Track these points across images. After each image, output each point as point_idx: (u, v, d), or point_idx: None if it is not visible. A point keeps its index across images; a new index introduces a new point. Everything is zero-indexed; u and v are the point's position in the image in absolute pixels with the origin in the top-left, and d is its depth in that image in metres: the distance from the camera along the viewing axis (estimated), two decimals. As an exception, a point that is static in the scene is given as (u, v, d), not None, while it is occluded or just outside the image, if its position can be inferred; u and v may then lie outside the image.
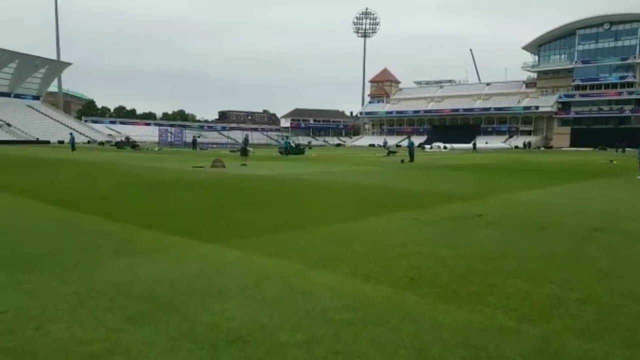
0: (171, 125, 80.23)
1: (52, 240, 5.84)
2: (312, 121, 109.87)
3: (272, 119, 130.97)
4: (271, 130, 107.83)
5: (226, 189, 12.36)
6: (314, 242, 5.86)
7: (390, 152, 39.92)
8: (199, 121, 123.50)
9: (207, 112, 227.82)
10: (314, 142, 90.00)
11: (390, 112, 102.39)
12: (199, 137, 64.21)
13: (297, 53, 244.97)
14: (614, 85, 77.14)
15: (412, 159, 27.11)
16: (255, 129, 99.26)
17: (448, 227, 6.97)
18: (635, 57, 74.23)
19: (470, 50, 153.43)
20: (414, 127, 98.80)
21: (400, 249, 5.53)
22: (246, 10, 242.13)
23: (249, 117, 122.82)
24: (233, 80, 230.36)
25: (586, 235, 6.56)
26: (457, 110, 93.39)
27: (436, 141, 67.68)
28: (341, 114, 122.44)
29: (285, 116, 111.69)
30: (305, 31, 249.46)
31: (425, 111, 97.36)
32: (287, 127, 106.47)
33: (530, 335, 3.14)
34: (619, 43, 75.98)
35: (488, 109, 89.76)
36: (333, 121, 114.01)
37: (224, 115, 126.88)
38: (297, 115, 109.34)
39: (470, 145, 55.98)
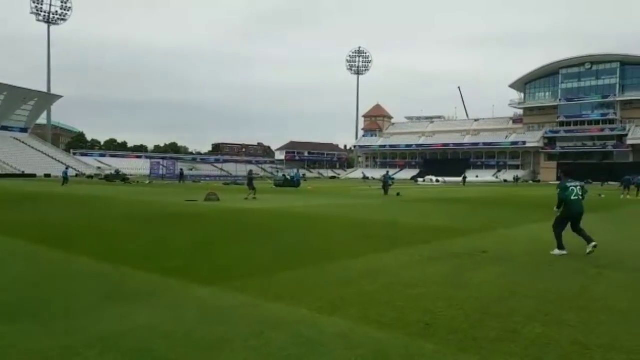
0: (163, 158, 79.87)
1: (37, 284, 5.46)
2: (306, 154, 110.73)
3: (266, 151, 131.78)
4: (265, 162, 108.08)
5: (224, 224, 12.04)
6: (321, 281, 5.58)
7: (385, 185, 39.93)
8: (191, 153, 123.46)
9: (201, 145, 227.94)
10: (308, 174, 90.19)
11: (384, 146, 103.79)
12: (191, 169, 63.78)
13: (293, 86, 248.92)
14: (597, 122, 79.55)
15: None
16: (250, 162, 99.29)
17: (455, 264, 6.77)
18: (615, 96, 76.89)
19: (459, 87, 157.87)
20: (406, 161, 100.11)
21: (410, 289, 5.28)
22: (242, 43, 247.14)
23: (243, 150, 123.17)
24: (227, 112, 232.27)
25: (594, 273, 6.38)
26: (447, 144, 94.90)
27: (428, 174, 68.51)
28: (335, 147, 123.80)
29: (280, 149, 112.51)
30: (299, 65, 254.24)
31: (417, 145, 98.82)
32: (282, 160, 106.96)
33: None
34: (600, 82, 78.92)
35: (477, 144, 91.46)
36: (327, 154, 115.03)
37: (217, 148, 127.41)
38: (292, 148, 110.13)
39: (460, 179, 56.89)
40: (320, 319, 4.17)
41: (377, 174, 67.18)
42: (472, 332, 3.89)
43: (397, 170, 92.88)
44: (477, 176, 73.92)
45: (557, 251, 7.55)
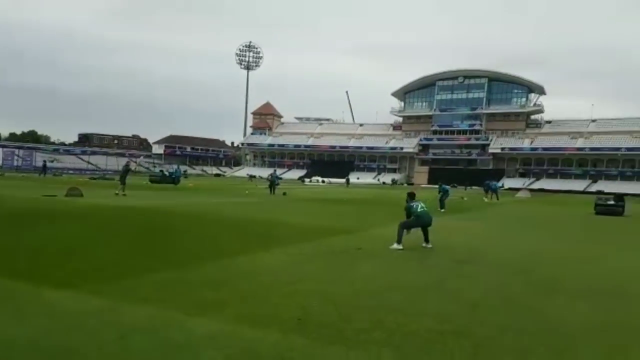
0: (19, 148, 69.59)
1: None
2: (189, 149, 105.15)
3: (142, 144, 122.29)
4: (141, 156, 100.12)
5: (85, 222, 10.78)
6: (194, 283, 5.30)
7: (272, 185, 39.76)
8: (54, 143, 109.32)
9: (66, 135, 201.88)
10: (190, 171, 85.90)
11: (273, 145, 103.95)
12: (52, 161, 56.56)
13: (178, 79, 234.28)
14: (465, 132, 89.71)
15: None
16: (123, 154, 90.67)
17: (332, 261, 7.02)
18: (482, 108, 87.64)
19: (347, 92, 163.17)
20: (294, 161, 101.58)
21: (287, 286, 5.32)
22: (126, 27, 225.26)
23: (116, 141, 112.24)
24: (101, 101, 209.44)
25: (455, 268, 7.09)
26: (334, 147, 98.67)
27: (315, 175, 70.57)
28: (222, 143, 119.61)
29: (159, 142, 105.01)
30: (185, 57, 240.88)
31: (306, 146, 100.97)
32: (161, 154, 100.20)
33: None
34: (470, 95, 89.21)
35: (361, 147, 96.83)
36: (212, 150, 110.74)
37: (85, 138, 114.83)
38: (173, 142, 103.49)
39: (344, 180, 59.90)
40: (190, 320, 3.96)
41: (265, 172, 67.13)
42: (341, 324, 4.05)
43: (285, 169, 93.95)
44: (358, 178, 78.18)
45: (395, 245, 8.47)
